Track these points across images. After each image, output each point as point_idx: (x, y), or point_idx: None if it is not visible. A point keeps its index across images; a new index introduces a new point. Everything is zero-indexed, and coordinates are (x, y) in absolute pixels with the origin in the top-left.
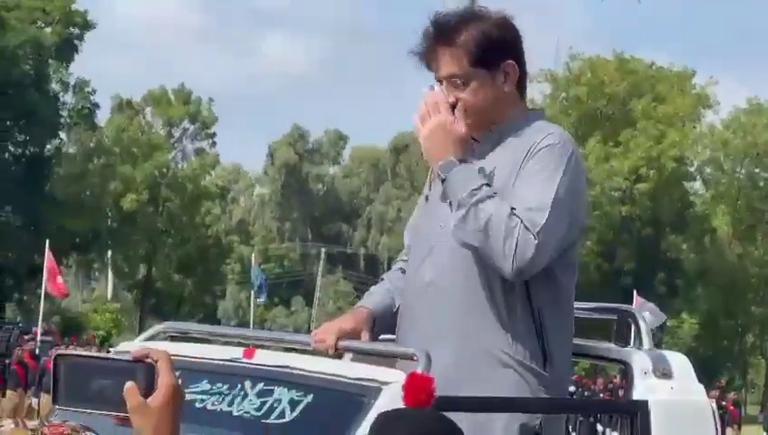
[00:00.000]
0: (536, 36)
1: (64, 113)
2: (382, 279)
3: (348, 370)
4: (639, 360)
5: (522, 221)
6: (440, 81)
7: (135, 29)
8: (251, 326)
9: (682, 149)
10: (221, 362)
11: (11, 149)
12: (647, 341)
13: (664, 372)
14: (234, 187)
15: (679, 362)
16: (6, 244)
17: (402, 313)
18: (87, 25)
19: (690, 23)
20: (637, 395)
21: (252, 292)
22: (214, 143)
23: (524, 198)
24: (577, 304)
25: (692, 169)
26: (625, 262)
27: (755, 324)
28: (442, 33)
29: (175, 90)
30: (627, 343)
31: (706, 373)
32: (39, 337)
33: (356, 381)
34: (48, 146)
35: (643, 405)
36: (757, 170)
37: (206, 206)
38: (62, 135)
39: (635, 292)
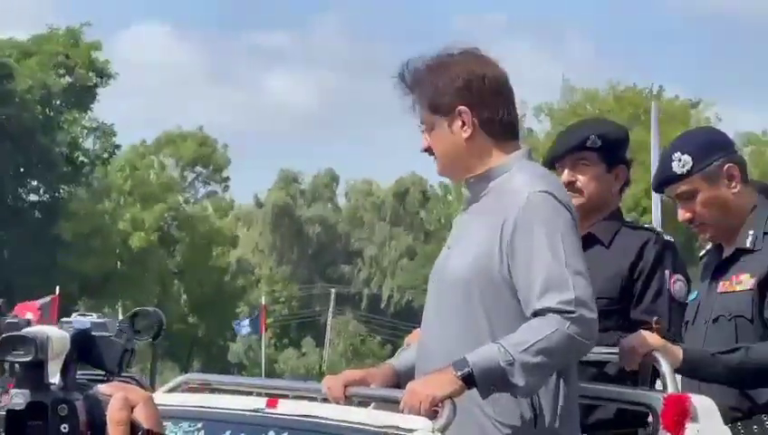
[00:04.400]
0: (541, 70)
1: (83, 158)
2: None
3: (373, 418)
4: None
5: (553, 313)
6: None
7: (138, 73)
8: (263, 368)
9: None
10: (245, 413)
11: (24, 196)
12: (671, 384)
13: (690, 417)
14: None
15: (705, 406)
16: (18, 290)
17: (416, 365)
18: (108, 75)
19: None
20: None
21: (262, 335)
22: (227, 187)
23: (545, 279)
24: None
25: None
26: None
27: None
28: (409, 80)
29: (187, 132)
30: (652, 387)
31: None
32: None
33: (382, 430)
34: (61, 191)
35: None
36: None
37: (216, 249)
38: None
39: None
